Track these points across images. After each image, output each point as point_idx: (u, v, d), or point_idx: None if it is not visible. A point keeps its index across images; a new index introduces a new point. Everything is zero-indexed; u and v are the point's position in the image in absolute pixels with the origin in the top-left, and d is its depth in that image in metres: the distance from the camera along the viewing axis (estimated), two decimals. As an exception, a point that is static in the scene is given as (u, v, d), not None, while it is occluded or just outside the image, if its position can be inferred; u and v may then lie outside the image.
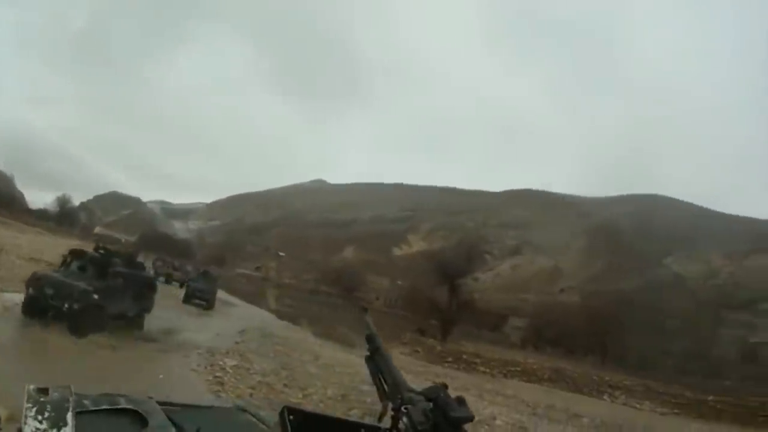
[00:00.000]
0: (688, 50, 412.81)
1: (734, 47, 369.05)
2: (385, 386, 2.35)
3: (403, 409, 2.10)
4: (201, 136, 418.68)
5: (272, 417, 2.65)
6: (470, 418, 2.00)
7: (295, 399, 17.18)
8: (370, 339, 2.55)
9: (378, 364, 2.45)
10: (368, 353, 2.52)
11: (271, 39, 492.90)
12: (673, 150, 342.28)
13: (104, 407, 2.29)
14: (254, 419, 2.90)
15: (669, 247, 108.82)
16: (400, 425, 2.10)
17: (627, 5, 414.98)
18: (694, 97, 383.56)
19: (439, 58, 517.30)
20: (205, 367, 18.62)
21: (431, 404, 2.06)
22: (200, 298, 42.46)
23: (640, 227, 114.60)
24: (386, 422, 2.23)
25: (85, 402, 2.21)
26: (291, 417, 2.44)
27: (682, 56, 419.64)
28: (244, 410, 3.01)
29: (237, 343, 25.66)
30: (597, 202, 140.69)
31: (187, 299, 41.98)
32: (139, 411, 2.33)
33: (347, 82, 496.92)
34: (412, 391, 2.19)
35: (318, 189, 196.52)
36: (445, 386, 2.10)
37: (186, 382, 16.38)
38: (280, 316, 53.14)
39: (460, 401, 2.05)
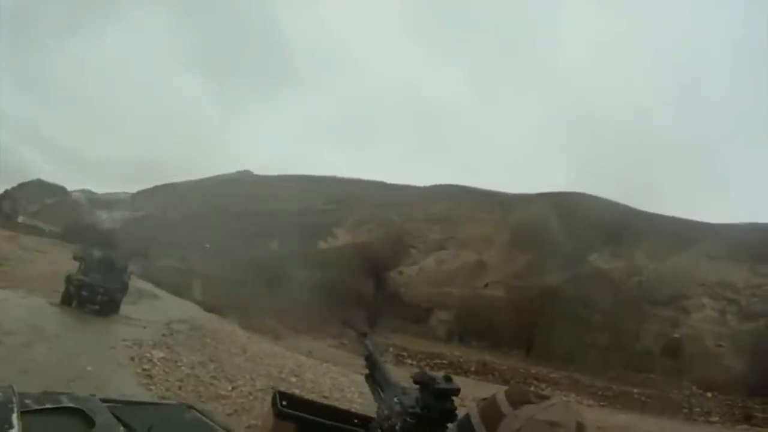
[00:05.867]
0: (611, 47, 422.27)
1: (659, 43, 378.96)
2: (382, 394, 2.42)
3: (395, 399, 2.21)
4: (125, 124, 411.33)
5: (218, 414, 2.39)
6: (456, 390, 2.09)
7: (224, 391, 17.55)
8: (368, 359, 2.71)
9: (376, 379, 2.55)
10: (367, 371, 2.67)
11: (196, 23, 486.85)
12: (595, 148, 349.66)
13: (48, 406, 2.21)
14: (202, 417, 2.89)
15: (593, 243, 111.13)
16: (393, 413, 2.16)
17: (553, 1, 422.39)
18: (618, 94, 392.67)
19: (362, 47, 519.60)
20: (132, 359, 18.23)
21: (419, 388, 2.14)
22: (91, 301, 26.89)
23: (564, 224, 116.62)
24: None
25: (27, 401, 2.15)
26: (283, 403, 2.63)
27: (605, 53, 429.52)
28: (191, 407, 3.02)
29: (164, 335, 25.19)
30: (520, 197, 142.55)
31: (69, 299, 26.93)
32: (84, 410, 2.25)
33: (271, 70, 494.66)
34: (404, 389, 2.28)
35: (244, 180, 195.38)
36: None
37: (114, 375, 15.88)
38: (207, 308, 52.21)
39: (447, 378, 2.13)
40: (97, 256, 34.80)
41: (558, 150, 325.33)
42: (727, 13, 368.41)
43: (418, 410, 2.03)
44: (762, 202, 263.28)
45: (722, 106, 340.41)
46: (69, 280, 27.90)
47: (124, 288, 31.24)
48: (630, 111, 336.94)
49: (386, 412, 2.25)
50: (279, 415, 2.48)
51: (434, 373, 2.10)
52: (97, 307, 27.10)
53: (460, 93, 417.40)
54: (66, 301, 27.07)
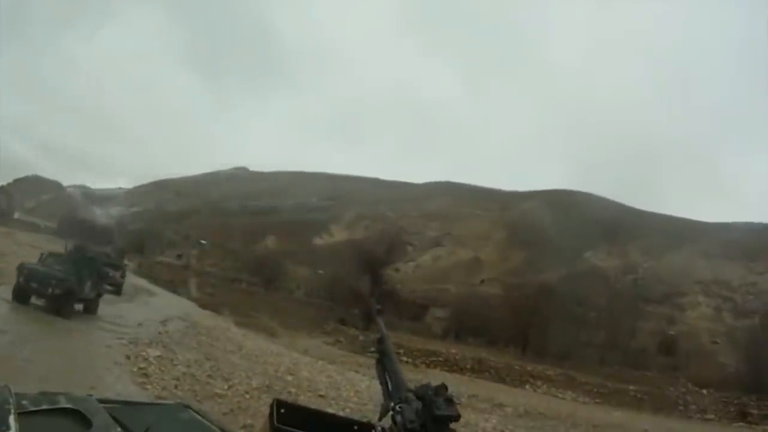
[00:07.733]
0: (608, 46, 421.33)
1: (656, 43, 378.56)
2: (389, 387, 2.35)
3: (397, 408, 2.13)
4: (121, 120, 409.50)
5: (214, 413, 2.38)
6: (455, 417, 2.03)
7: (220, 390, 17.37)
8: (381, 341, 2.54)
9: (386, 366, 2.43)
10: (378, 356, 2.50)
11: (189, 21, 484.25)
12: (591, 146, 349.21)
13: (44, 407, 2.16)
14: (199, 417, 2.83)
15: (588, 241, 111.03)
16: (392, 425, 2.12)
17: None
18: (614, 94, 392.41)
19: (355, 45, 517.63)
20: (128, 357, 18.06)
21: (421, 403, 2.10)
22: (40, 293, 22.72)
23: (560, 221, 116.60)
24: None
25: (24, 402, 2.10)
26: (282, 410, 2.44)
27: (601, 52, 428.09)
28: (187, 407, 2.93)
29: (160, 333, 25.00)
30: (517, 195, 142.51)
31: (21, 294, 22.71)
32: (81, 411, 2.19)
33: (264, 68, 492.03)
34: (410, 391, 2.19)
35: (239, 176, 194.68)
36: (445, 387, 2.08)
37: (110, 374, 15.69)
38: (202, 304, 52.14)
39: (449, 400, 2.05)
40: (69, 246, 30.88)
41: (554, 148, 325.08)
42: (724, 13, 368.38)
43: (417, 427, 2.02)
44: (757, 201, 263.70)
45: (718, 106, 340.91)
46: (20, 269, 22.89)
47: (100, 282, 26.93)
48: (626, 110, 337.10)
49: (384, 425, 2.22)
50: (275, 431, 2.42)
51: (437, 388, 2.05)
52: (49, 301, 22.76)
53: (454, 91, 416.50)
54: (18, 294, 22.75)
